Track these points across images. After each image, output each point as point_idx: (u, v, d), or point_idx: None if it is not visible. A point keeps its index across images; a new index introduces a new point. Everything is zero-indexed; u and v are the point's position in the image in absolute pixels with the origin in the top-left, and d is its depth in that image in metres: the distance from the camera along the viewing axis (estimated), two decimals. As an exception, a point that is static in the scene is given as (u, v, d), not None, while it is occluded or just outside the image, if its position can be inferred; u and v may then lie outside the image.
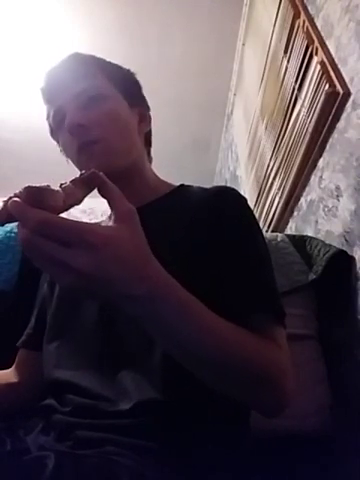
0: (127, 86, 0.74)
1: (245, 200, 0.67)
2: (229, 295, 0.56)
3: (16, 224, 0.37)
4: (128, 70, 0.77)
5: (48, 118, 0.73)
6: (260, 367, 0.48)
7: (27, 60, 2.39)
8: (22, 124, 2.76)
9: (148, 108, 0.79)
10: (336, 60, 1.05)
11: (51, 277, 0.37)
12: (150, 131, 0.80)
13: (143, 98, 0.79)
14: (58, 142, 0.75)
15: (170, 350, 0.47)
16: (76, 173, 0.73)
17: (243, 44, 2.32)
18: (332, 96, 0.99)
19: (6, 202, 0.37)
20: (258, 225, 0.66)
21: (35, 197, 0.36)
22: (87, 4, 2.21)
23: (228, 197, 0.67)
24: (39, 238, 0.34)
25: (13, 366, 0.74)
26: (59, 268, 0.35)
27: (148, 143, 0.80)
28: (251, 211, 0.67)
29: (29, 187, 0.36)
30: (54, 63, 0.71)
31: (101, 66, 0.72)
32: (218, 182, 3.07)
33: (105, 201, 0.41)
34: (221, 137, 3.05)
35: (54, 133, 0.74)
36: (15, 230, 1.01)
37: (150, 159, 0.80)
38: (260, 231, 0.65)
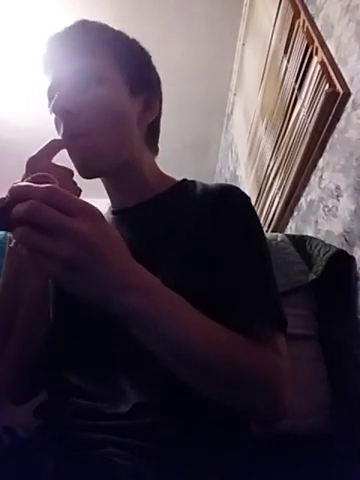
0: (134, 68, 0.64)
1: (249, 200, 0.65)
2: (229, 302, 0.54)
3: None
4: (141, 49, 0.68)
5: (46, 91, 0.65)
6: (258, 374, 0.47)
7: (27, 60, 2.39)
8: (22, 124, 2.76)
9: (158, 95, 0.70)
10: (336, 60, 1.04)
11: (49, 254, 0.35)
12: (157, 120, 0.72)
13: (153, 83, 0.70)
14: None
15: (158, 353, 0.46)
16: (77, 174, 0.73)
17: (243, 44, 2.32)
18: (332, 96, 0.99)
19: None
20: (261, 226, 0.64)
21: (42, 180, 0.39)
22: (87, 4, 2.21)
23: (232, 197, 0.64)
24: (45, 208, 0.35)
25: None
26: (60, 239, 0.35)
27: (153, 134, 0.72)
28: (255, 212, 0.64)
29: (36, 174, 0.40)
30: (58, 29, 0.63)
31: (109, 41, 0.63)
32: (218, 182, 3.07)
33: (99, 202, 0.43)
34: (221, 137, 3.05)
35: (50, 109, 0.65)
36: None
37: (155, 151, 0.73)
38: (262, 233, 0.63)
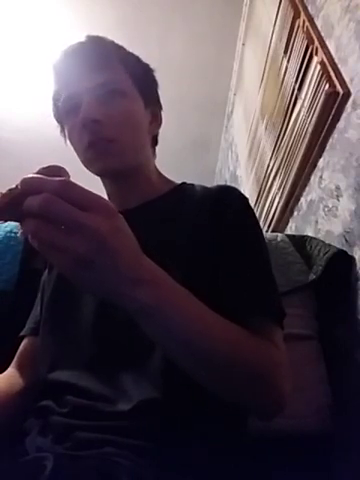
0: (145, 84, 0.72)
1: (247, 200, 0.67)
2: (228, 296, 0.56)
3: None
4: (148, 66, 0.74)
5: (56, 99, 0.70)
6: (256, 365, 0.48)
7: (27, 60, 2.39)
8: (22, 124, 2.76)
9: (161, 108, 0.77)
10: (336, 60, 1.04)
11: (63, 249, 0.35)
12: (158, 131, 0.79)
13: (158, 97, 0.77)
14: (62, 126, 0.72)
15: (166, 347, 0.46)
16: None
17: (243, 44, 2.32)
18: (332, 96, 0.99)
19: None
20: (259, 226, 0.66)
21: (54, 171, 0.39)
22: (87, 4, 2.21)
23: (230, 197, 0.66)
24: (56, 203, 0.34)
25: (14, 366, 0.72)
26: (73, 235, 0.34)
27: (155, 142, 0.79)
28: (253, 212, 0.67)
29: (47, 166, 0.39)
30: (73, 43, 0.68)
31: (123, 58, 0.69)
32: (218, 182, 3.07)
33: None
34: (221, 137, 3.05)
35: (60, 117, 0.71)
36: (15, 230, 1.01)
37: (154, 157, 0.79)
38: (261, 232, 0.65)
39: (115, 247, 0.36)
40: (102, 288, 0.38)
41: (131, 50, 0.73)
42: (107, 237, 0.35)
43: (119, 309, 0.41)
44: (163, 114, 0.78)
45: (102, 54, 0.66)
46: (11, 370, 0.70)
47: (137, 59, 0.73)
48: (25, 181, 0.36)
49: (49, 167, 0.39)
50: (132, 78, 0.69)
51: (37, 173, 0.38)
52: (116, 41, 0.71)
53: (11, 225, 1.02)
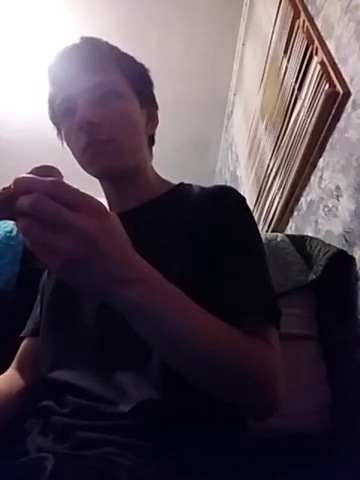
0: (141, 84, 0.72)
1: (244, 200, 0.67)
2: (224, 296, 0.56)
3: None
4: (143, 66, 0.74)
5: (52, 101, 0.70)
6: (250, 365, 0.48)
7: (27, 60, 2.39)
8: (22, 124, 2.76)
9: (157, 107, 0.77)
10: (336, 60, 1.05)
11: (52, 248, 0.35)
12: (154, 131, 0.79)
13: (153, 97, 0.77)
14: (58, 128, 0.73)
15: (159, 346, 0.46)
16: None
17: (243, 44, 2.32)
18: (332, 96, 0.99)
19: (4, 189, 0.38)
20: (256, 226, 0.66)
21: (46, 171, 0.39)
22: (87, 4, 2.21)
23: (227, 197, 0.66)
24: (47, 203, 0.35)
25: (14, 366, 0.72)
26: (63, 234, 0.35)
27: (151, 142, 0.79)
28: (250, 212, 0.67)
29: (40, 166, 0.40)
30: (68, 45, 0.68)
31: (117, 58, 0.69)
32: (218, 182, 3.07)
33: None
34: (221, 137, 3.06)
35: (56, 119, 0.71)
36: (15, 230, 1.01)
37: (151, 157, 0.79)
38: (257, 232, 0.65)
39: (105, 247, 0.37)
40: (92, 287, 0.39)
41: (131, 50, 0.73)
42: (97, 237, 0.36)
43: (119, 310, 0.41)
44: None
45: (96, 55, 0.66)
46: (11, 371, 0.71)
47: (132, 59, 0.73)
48: (17, 181, 0.37)
49: (42, 167, 0.40)
50: (127, 78, 0.69)
51: (30, 173, 0.39)
52: (116, 41, 0.71)
53: (11, 225, 1.02)
